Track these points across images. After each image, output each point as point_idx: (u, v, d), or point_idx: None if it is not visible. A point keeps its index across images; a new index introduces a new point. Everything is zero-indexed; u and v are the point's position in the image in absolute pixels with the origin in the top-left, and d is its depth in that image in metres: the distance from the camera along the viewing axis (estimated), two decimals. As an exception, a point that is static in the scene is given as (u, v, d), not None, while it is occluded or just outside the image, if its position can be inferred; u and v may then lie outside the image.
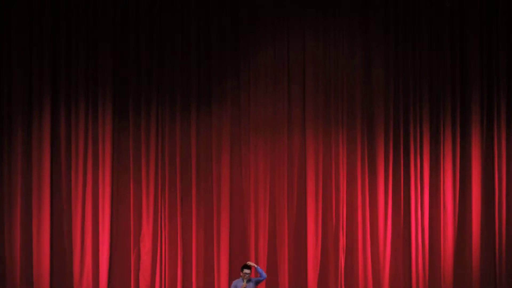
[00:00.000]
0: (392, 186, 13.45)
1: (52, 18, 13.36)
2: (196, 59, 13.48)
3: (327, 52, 13.56)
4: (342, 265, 13.28)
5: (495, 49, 13.59)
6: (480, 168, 13.49)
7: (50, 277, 13.10)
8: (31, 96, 13.32)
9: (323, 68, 13.54)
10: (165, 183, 13.37)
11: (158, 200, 13.36)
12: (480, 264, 13.32)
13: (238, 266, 13.08)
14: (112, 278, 13.25)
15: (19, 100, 13.29)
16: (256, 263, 13.08)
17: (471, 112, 13.54)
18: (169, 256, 13.28)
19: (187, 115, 13.47)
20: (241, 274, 11.01)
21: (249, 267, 11.36)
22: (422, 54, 13.59)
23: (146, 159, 13.37)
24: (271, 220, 13.34)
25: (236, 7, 13.55)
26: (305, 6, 13.56)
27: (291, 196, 13.42)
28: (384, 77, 13.53)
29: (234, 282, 11.22)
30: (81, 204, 13.24)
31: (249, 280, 11.24)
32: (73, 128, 13.35)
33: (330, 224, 13.32)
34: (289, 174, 13.45)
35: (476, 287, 13.28)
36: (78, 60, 13.37)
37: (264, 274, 11.31)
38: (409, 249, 13.36)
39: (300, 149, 13.51)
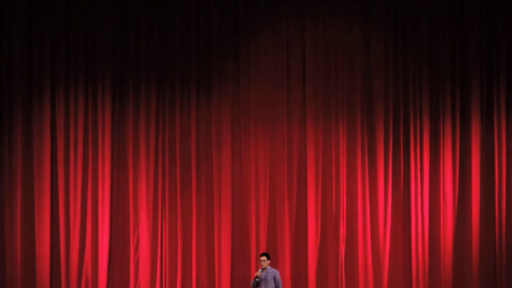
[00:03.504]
0: (392, 176, 13.45)
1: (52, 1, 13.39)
2: (196, 41, 13.46)
3: (327, 34, 13.52)
4: (342, 254, 13.29)
5: (495, 39, 13.56)
6: (480, 158, 13.49)
7: (50, 265, 13.11)
8: (31, 82, 13.32)
9: (323, 51, 13.50)
10: (165, 171, 13.35)
11: (158, 188, 13.35)
12: (480, 254, 13.33)
13: (240, 257, 13.12)
14: (112, 267, 13.24)
15: (19, 86, 13.29)
16: (257, 253, 13.01)
17: (471, 103, 13.53)
18: (169, 246, 13.26)
19: (187, 100, 13.46)
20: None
21: (265, 254, 11.39)
22: (422, 40, 13.54)
23: (146, 147, 13.36)
24: (271, 210, 13.34)
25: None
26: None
27: (291, 186, 13.40)
28: (384, 64, 13.51)
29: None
30: (81, 193, 13.23)
31: (264, 269, 11.25)
32: (72, 114, 13.34)
33: (330, 214, 13.31)
34: (289, 163, 13.42)
35: (476, 277, 13.30)
36: (77, 45, 13.36)
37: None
38: (409, 239, 13.37)
39: (300, 136, 13.48)
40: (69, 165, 13.28)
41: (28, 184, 13.25)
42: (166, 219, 13.29)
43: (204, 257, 13.26)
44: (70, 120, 13.34)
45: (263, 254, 11.54)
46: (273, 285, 11.61)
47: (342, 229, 13.31)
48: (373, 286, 13.23)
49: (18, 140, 13.28)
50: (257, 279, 11.47)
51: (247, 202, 13.35)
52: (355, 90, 13.52)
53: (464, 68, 13.59)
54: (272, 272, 11.56)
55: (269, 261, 11.76)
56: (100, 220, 13.17)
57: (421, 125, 13.53)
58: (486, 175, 13.48)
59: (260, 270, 11.37)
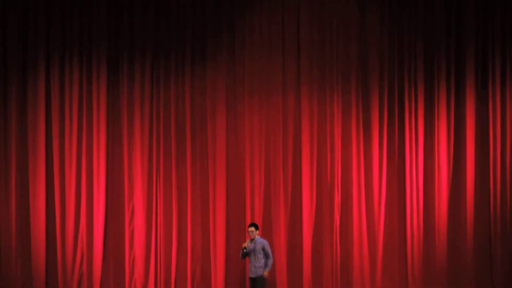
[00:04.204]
0: (386, 146, 13.46)
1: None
2: (191, 12, 13.43)
3: (322, 5, 13.49)
4: (337, 223, 13.31)
5: (490, 7, 13.53)
6: (475, 128, 13.50)
7: (45, 236, 13.13)
8: (26, 54, 13.29)
9: (318, 22, 13.48)
10: (160, 141, 13.37)
11: (153, 159, 13.36)
12: (474, 222, 13.36)
13: (234, 226, 13.16)
14: (107, 237, 13.26)
15: (13, 58, 13.26)
16: (252, 222, 13.04)
17: (466, 73, 13.52)
18: (163, 216, 13.28)
19: (182, 71, 13.45)
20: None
21: (253, 224, 11.40)
22: (417, 10, 13.51)
23: (141, 118, 13.36)
24: (266, 180, 13.34)
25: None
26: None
27: (286, 156, 13.41)
28: (379, 35, 13.50)
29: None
30: (76, 164, 13.23)
31: (253, 240, 11.27)
32: (67, 86, 13.31)
33: (325, 184, 13.33)
34: (284, 134, 13.43)
35: (470, 245, 13.32)
36: (72, 16, 13.31)
37: (272, 260, 11.40)
38: (403, 208, 13.40)
39: (295, 107, 13.47)
40: (64, 136, 13.28)
41: (22, 156, 13.25)
42: (161, 189, 13.31)
43: (199, 227, 13.28)
44: (65, 92, 13.32)
45: (251, 225, 11.57)
46: (262, 255, 11.65)
47: (337, 199, 13.34)
48: (368, 255, 13.27)
49: (13, 112, 13.26)
50: (245, 251, 11.50)
51: (242, 172, 13.36)
52: (350, 60, 13.52)
53: (459, 38, 13.58)
54: (261, 242, 11.59)
55: (257, 232, 11.77)
56: (95, 190, 13.19)
57: (415, 94, 13.52)
58: (481, 144, 13.50)
59: (248, 241, 11.38)
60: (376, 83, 13.46)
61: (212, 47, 13.44)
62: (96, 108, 13.34)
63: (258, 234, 11.96)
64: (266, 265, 11.77)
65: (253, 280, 11.79)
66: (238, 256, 12.49)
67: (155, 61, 13.45)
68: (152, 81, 13.45)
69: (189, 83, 13.46)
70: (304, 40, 13.47)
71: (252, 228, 11.56)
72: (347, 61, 13.52)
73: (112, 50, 13.46)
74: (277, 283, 13.15)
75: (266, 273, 11.63)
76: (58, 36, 13.35)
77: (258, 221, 13.10)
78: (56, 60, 13.32)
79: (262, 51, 13.44)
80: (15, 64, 13.29)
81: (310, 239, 13.24)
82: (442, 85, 13.52)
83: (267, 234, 13.18)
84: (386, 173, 13.40)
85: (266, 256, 11.73)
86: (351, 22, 13.52)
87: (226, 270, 13.16)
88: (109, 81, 13.43)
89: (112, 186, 13.37)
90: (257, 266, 11.74)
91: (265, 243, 11.76)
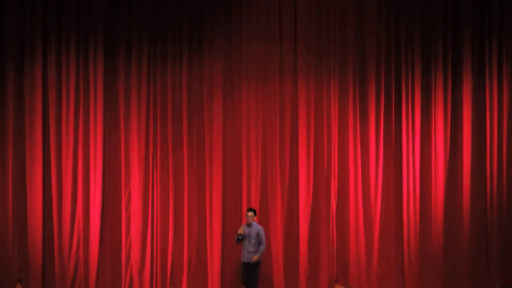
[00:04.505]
0: (383, 132, 13.49)
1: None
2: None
3: None
4: (334, 210, 13.34)
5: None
6: (472, 114, 13.53)
7: (42, 221, 13.12)
8: (23, 39, 13.26)
9: (315, 7, 13.48)
10: (157, 127, 13.36)
11: (150, 144, 13.35)
12: (471, 209, 13.41)
13: (231, 213, 13.17)
14: (104, 223, 13.27)
15: (10, 43, 13.23)
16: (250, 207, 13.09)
17: (463, 59, 13.55)
18: (160, 202, 13.29)
19: (179, 57, 13.43)
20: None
21: (252, 209, 11.41)
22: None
23: (137, 104, 13.33)
24: (263, 166, 13.36)
25: None
26: None
27: (282, 142, 13.42)
28: (376, 21, 13.50)
29: (242, 227, 11.56)
30: (73, 150, 13.23)
31: (249, 225, 11.29)
32: (64, 71, 13.29)
33: (322, 170, 13.34)
34: (281, 120, 13.44)
35: (466, 232, 13.35)
36: (69, 2, 13.30)
37: (263, 246, 11.39)
38: (400, 194, 13.44)
39: (292, 93, 13.48)
40: (61, 122, 13.26)
41: (20, 141, 13.24)
42: (158, 175, 13.31)
43: (195, 213, 13.30)
44: (62, 77, 13.30)
45: (250, 210, 11.55)
46: (256, 241, 11.66)
47: (334, 185, 13.35)
48: (364, 241, 13.30)
49: (10, 97, 13.24)
50: (239, 237, 11.50)
51: (239, 158, 13.37)
52: (347, 46, 13.52)
53: (456, 25, 13.60)
54: (256, 228, 11.60)
55: (255, 217, 11.79)
56: (92, 176, 13.20)
57: (412, 81, 13.54)
58: (478, 131, 13.55)
59: (244, 226, 11.38)
60: (373, 69, 13.47)
61: (209, 32, 13.42)
62: (93, 94, 13.33)
63: (255, 220, 11.98)
64: (257, 251, 11.78)
65: (247, 265, 11.79)
66: (234, 241, 12.50)
67: (152, 46, 13.43)
68: (149, 66, 13.44)
69: (186, 69, 13.44)
70: (301, 25, 13.47)
71: (251, 213, 11.57)
72: (344, 47, 13.52)
73: (109, 35, 13.42)
74: (274, 269, 13.18)
75: (255, 258, 11.62)
76: (55, 22, 13.30)
77: (254, 206, 13.11)
78: (53, 45, 13.28)
79: (259, 36, 13.43)
80: (12, 50, 13.24)
81: (307, 225, 13.26)
82: (439, 72, 13.54)
83: (264, 220, 13.20)
84: (382, 159, 13.43)
85: (260, 241, 11.74)
86: (348, 8, 13.52)
87: (222, 255, 13.17)
88: (106, 67, 13.41)
89: (109, 172, 13.36)
90: (250, 251, 11.74)
91: (261, 229, 11.77)
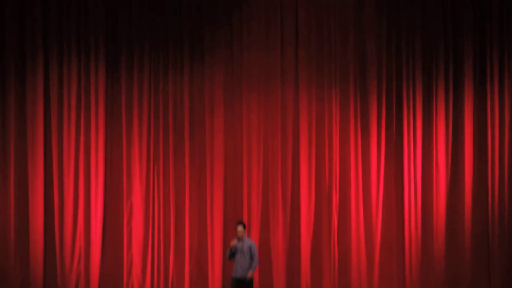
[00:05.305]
0: (385, 144, 13.44)
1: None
2: (189, 7, 13.37)
3: (320, 0, 13.44)
4: (335, 223, 13.31)
5: (488, 4, 13.46)
6: (473, 126, 13.47)
7: (43, 233, 13.12)
8: (24, 48, 13.24)
9: (316, 17, 13.42)
10: (159, 138, 13.34)
11: (151, 156, 13.33)
12: (472, 222, 13.34)
13: (232, 225, 13.12)
14: (105, 236, 13.26)
15: (12, 52, 13.21)
16: (249, 221, 13.09)
17: (464, 70, 13.48)
18: (162, 215, 13.27)
19: (180, 67, 13.40)
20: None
21: (241, 222, 11.30)
22: (415, 6, 13.46)
23: (139, 114, 13.34)
24: (264, 178, 13.34)
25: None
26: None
27: (284, 153, 13.39)
28: (377, 32, 13.43)
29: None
30: (74, 160, 13.22)
31: (241, 239, 11.17)
32: (65, 80, 13.27)
33: (323, 182, 13.32)
34: (282, 131, 13.38)
35: (468, 245, 13.30)
36: (70, 12, 13.27)
37: (256, 262, 11.28)
38: (401, 207, 13.39)
39: (293, 104, 13.44)
40: (63, 132, 13.25)
41: (21, 150, 13.21)
42: (160, 187, 13.29)
43: (196, 227, 13.28)
44: (63, 86, 13.28)
45: (239, 223, 11.35)
46: (249, 255, 11.42)
47: (335, 198, 13.31)
48: (365, 255, 13.27)
49: (12, 106, 13.21)
50: (233, 250, 11.35)
51: (240, 171, 13.34)
52: (348, 57, 13.46)
53: (457, 35, 13.53)
54: (249, 243, 11.41)
55: (245, 231, 11.59)
56: (93, 188, 13.18)
57: (414, 92, 13.48)
58: (479, 143, 13.48)
59: (236, 239, 11.25)
60: (374, 80, 13.43)
61: (210, 42, 13.37)
62: (95, 104, 13.30)
63: (245, 234, 11.75)
64: (250, 266, 11.52)
65: (239, 281, 11.45)
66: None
67: (153, 56, 13.40)
68: (150, 76, 13.41)
69: (188, 79, 13.41)
70: (302, 36, 13.41)
71: (241, 227, 11.38)
72: (345, 58, 13.46)
73: (110, 45, 13.38)
74: (275, 283, 13.18)
75: (250, 275, 11.38)
76: (56, 31, 13.27)
77: (256, 221, 13.15)
78: (54, 55, 13.27)
79: (260, 47, 13.38)
80: (13, 59, 13.23)
81: (309, 238, 13.24)
82: (440, 81, 13.49)
83: (265, 233, 13.20)
84: (384, 172, 13.39)
85: (252, 257, 11.49)
86: (349, 18, 13.46)
87: (223, 270, 13.15)
88: (107, 77, 13.39)
89: (110, 184, 13.35)
90: (243, 267, 11.36)
91: (253, 244, 11.52)
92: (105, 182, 13.30)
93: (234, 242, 11.24)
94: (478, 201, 13.39)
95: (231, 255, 11.35)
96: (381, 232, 13.31)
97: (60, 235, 13.16)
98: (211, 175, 13.28)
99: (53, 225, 13.19)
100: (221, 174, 13.28)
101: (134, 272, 13.17)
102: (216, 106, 13.34)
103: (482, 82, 13.49)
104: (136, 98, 13.35)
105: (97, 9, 13.30)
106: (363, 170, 13.38)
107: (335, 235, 13.28)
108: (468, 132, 13.40)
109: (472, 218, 13.33)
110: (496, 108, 13.41)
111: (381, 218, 13.32)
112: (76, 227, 13.18)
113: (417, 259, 13.25)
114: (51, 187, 13.24)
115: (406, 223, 13.30)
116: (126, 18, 13.36)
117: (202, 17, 13.38)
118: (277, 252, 13.18)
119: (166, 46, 13.41)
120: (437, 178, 13.38)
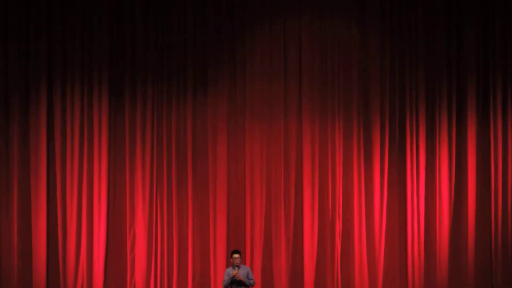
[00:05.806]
0: (388, 174, 13.45)
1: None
2: (192, 37, 13.46)
3: (324, 31, 13.51)
4: (339, 252, 13.31)
5: (491, 36, 13.56)
6: (476, 157, 13.50)
7: (46, 262, 13.11)
8: (28, 79, 13.29)
9: (319, 48, 13.50)
10: (162, 168, 13.33)
11: (154, 186, 13.34)
12: (476, 252, 13.35)
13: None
14: (108, 265, 13.25)
15: (16, 82, 13.26)
16: (252, 249, 13.10)
17: (467, 101, 13.54)
18: (165, 245, 13.26)
19: (183, 97, 13.45)
20: (231, 259, 10.99)
21: (238, 251, 11.25)
22: (418, 37, 13.56)
23: (142, 144, 13.34)
24: (267, 207, 13.35)
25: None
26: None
27: (287, 183, 13.40)
28: (380, 62, 13.52)
29: (227, 270, 11.12)
30: (77, 190, 13.23)
31: (238, 267, 11.11)
32: (68, 111, 13.31)
33: (327, 211, 13.33)
34: (286, 161, 13.42)
35: (471, 275, 13.30)
36: (73, 43, 13.35)
37: (254, 281, 11.22)
38: (405, 237, 13.39)
39: (296, 134, 13.48)
40: (66, 162, 13.27)
41: (24, 181, 13.23)
42: (164, 216, 13.29)
43: (199, 255, 13.27)
44: (66, 116, 13.32)
45: (236, 252, 11.33)
46: (248, 282, 11.37)
47: (338, 227, 13.32)
48: (368, 283, 13.25)
49: (15, 136, 13.25)
50: (236, 278, 11.27)
51: (243, 200, 13.36)
52: (351, 88, 13.52)
53: (460, 66, 13.59)
54: (245, 269, 11.39)
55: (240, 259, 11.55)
56: (96, 217, 13.18)
57: (417, 123, 13.53)
58: (482, 174, 13.50)
59: (235, 268, 11.17)
60: (378, 111, 13.47)
61: (213, 72, 13.44)
62: (98, 134, 13.35)
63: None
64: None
65: None
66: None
67: (156, 86, 13.46)
68: (153, 107, 13.46)
69: (191, 110, 13.45)
70: (305, 66, 13.49)
71: (238, 255, 11.36)
72: (348, 87, 13.52)
73: (114, 76, 13.46)
74: (278, 311, 13.17)
75: (238, 275, 11.34)
76: (60, 62, 13.34)
77: (258, 247, 13.14)
78: (58, 85, 13.31)
79: (263, 78, 13.45)
80: (17, 89, 13.26)
81: (312, 268, 13.23)
82: (443, 113, 13.54)
83: (268, 260, 13.20)
84: (387, 201, 13.41)
85: (249, 283, 11.42)
86: (352, 49, 13.54)
87: (226, 298, 13.12)
88: (111, 107, 13.43)
89: (113, 213, 13.37)
90: None
91: (249, 270, 11.49)
92: (108, 211, 13.30)
93: (235, 271, 11.18)
94: (481, 230, 13.40)
95: (229, 283, 11.30)
96: (384, 261, 13.31)
97: (63, 264, 13.13)
98: (214, 204, 13.30)
99: (56, 254, 13.17)
100: (224, 203, 13.30)
101: (137, 301, 13.16)
102: (219, 136, 13.39)
103: (485, 113, 13.55)
104: (139, 128, 13.39)
105: (101, 40, 13.37)
106: (366, 199, 13.41)
107: (338, 263, 13.28)
108: (471, 161, 13.43)
109: (475, 248, 13.32)
110: (499, 139, 13.46)
111: (384, 246, 13.32)
112: (79, 256, 13.16)
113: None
114: (55, 217, 13.23)
115: (409, 251, 13.30)
116: (130, 49, 13.43)
117: (205, 47, 13.46)
118: (279, 281, 13.17)
119: (169, 76, 13.48)
120: (440, 207, 13.39)
